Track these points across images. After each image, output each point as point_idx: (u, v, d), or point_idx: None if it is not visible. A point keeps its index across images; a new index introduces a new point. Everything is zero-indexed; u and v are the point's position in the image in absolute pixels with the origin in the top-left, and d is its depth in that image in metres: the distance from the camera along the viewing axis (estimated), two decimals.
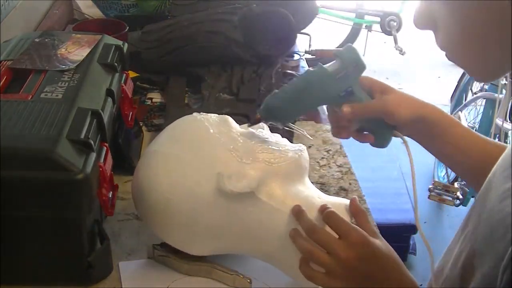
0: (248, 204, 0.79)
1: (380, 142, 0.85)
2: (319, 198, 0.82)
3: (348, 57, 0.77)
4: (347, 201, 0.81)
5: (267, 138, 0.85)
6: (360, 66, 0.78)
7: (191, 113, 0.86)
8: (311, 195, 0.82)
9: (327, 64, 0.79)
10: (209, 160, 0.80)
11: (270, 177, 0.80)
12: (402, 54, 3.65)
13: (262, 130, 0.88)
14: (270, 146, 0.83)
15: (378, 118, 0.82)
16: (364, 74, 0.83)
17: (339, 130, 0.88)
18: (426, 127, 0.84)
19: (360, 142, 0.88)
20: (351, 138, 0.89)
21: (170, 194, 0.81)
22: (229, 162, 0.80)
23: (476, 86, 2.66)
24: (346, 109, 0.81)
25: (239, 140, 0.82)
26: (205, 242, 0.83)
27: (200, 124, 0.84)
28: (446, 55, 0.62)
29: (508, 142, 2.17)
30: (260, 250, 0.83)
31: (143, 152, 0.90)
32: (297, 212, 0.77)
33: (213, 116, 0.87)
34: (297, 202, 0.79)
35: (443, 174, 2.59)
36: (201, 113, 0.88)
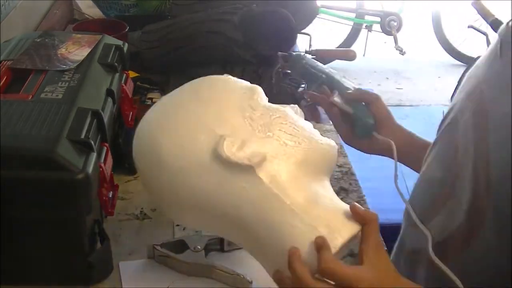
0: (243, 180, 0.70)
1: (360, 128, 0.98)
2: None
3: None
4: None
5: (295, 120, 0.77)
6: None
7: None
8: (324, 196, 0.72)
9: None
10: (217, 119, 0.73)
11: (280, 158, 0.71)
12: (402, 54, 3.66)
13: (294, 114, 0.80)
14: (294, 128, 0.75)
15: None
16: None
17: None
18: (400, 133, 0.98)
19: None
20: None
21: (162, 140, 0.74)
22: (238, 128, 0.72)
23: None
24: (349, 92, 0.98)
25: (260, 110, 0.75)
26: (190, 211, 0.75)
27: (223, 83, 0.79)
28: None
29: None
30: (245, 237, 0.73)
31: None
32: (320, 245, 0.65)
33: (244, 82, 0.81)
34: (303, 198, 0.69)
35: None
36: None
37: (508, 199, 0.64)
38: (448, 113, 0.82)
